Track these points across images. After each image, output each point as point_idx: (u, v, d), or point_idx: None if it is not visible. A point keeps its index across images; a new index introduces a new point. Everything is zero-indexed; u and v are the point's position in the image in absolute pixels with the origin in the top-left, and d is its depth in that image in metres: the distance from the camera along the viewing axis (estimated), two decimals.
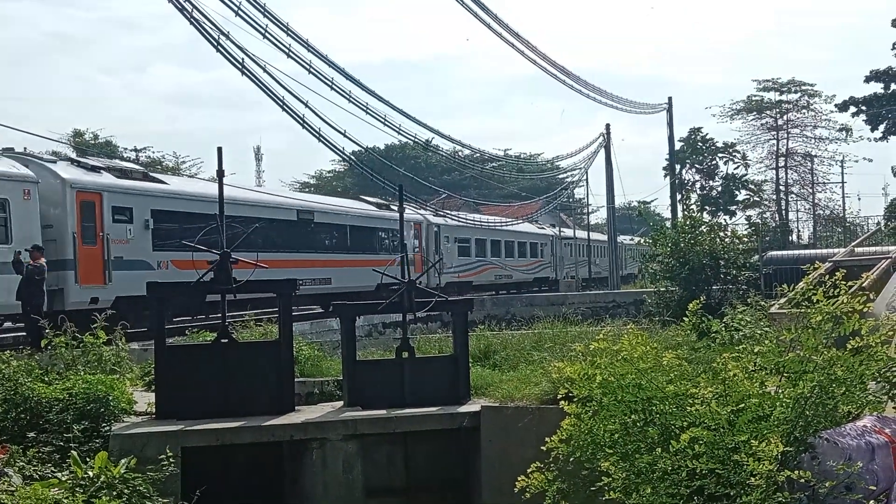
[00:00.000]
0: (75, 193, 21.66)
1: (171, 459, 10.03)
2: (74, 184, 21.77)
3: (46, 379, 12.31)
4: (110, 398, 11.65)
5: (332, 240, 33.69)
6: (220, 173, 13.50)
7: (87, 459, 9.68)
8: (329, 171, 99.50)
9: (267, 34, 23.23)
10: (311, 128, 26.54)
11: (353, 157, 40.37)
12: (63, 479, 9.30)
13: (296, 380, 13.25)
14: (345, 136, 29.25)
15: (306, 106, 26.04)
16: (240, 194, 27.70)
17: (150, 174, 26.96)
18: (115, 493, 9.13)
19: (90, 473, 9.28)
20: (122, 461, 9.64)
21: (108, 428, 11.19)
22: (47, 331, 13.93)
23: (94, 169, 23.36)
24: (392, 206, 35.89)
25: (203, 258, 13.52)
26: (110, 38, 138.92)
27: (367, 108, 29.27)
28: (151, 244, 23.69)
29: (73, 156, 31.48)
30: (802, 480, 6.58)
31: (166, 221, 24.33)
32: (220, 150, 13.56)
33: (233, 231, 18.00)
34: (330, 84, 26.74)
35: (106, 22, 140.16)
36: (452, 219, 45.22)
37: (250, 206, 27.74)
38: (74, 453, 9.82)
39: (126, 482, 9.36)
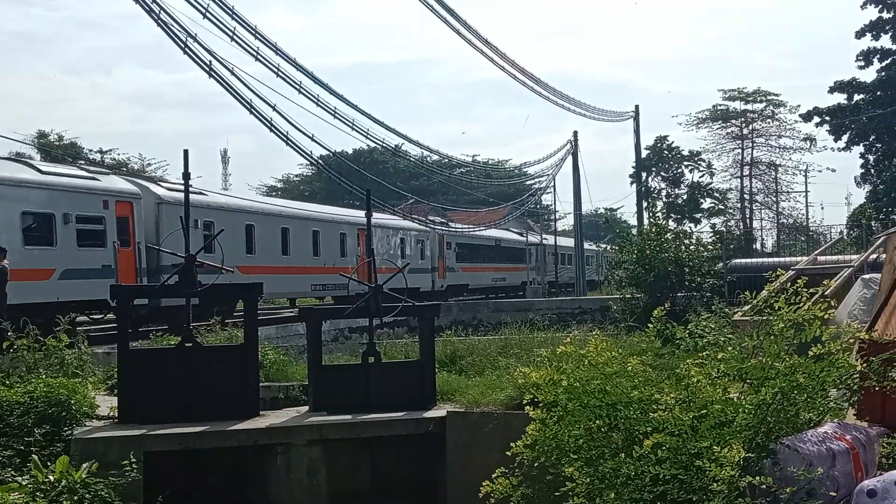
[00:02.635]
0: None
1: (133, 464, 9.94)
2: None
3: (7, 382, 12.19)
4: (72, 402, 11.55)
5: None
6: (186, 176, 13.45)
7: (49, 464, 9.58)
8: (297, 175, 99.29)
9: (235, 37, 23.18)
10: (279, 131, 26.48)
11: (321, 161, 40.27)
12: (24, 483, 9.19)
13: (261, 384, 13.18)
14: (313, 139, 29.24)
15: (274, 109, 26.01)
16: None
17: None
18: (76, 497, 9.04)
19: (51, 478, 9.18)
20: (84, 465, 9.54)
21: (69, 432, 11.08)
22: (10, 333, 13.78)
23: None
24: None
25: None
26: (74, 38, 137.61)
27: (336, 112, 29.26)
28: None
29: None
30: (764, 486, 6.63)
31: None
32: (186, 152, 13.51)
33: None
34: (298, 88, 26.72)
35: (70, 21, 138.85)
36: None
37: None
38: (35, 457, 9.71)
39: (88, 487, 9.27)
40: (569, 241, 64.97)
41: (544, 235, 67.04)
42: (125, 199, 25.13)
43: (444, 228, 49.41)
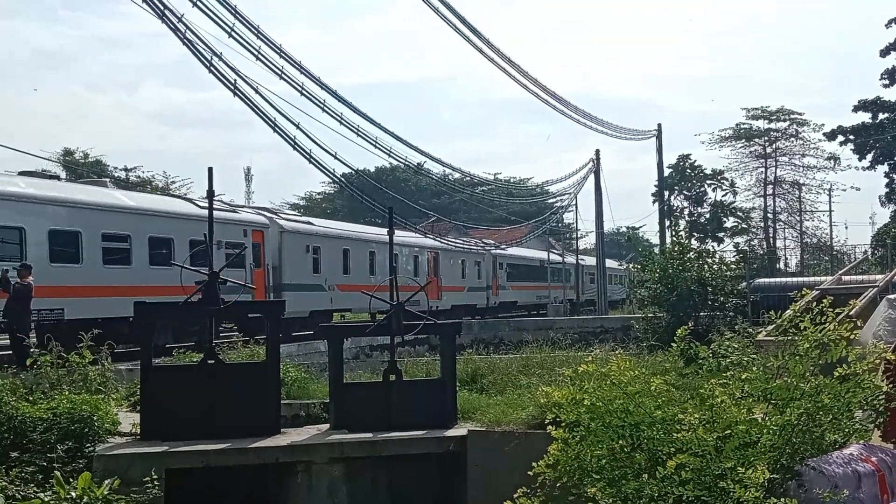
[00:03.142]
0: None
1: (155, 481, 9.95)
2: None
3: (31, 398, 12.22)
4: (95, 418, 11.57)
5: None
6: (210, 193, 13.52)
7: (71, 480, 9.58)
8: (319, 193, 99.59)
9: (260, 56, 23.27)
10: (302, 149, 26.51)
11: (343, 179, 40.40)
12: (46, 499, 9.20)
13: (282, 402, 13.19)
14: (335, 157, 29.27)
15: (297, 127, 26.04)
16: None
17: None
18: None
19: (73, 494, 9.18)
20: (106, 482, 9.54)
21: (91, 448, 11.11)
22: (33, 349, 13.84)
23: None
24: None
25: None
26: (99, 56, 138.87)
27: (359, 130, 29.30)
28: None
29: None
30: None
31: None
32: (210, 170, 13.59)
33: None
34: (322, 106, 26.77)
35: (95, 39, 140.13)
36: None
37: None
38: (58, 473, 9.72)
39: (109, 503, 9.28)
40: (611, 263, 65.20)
41: (567, 254, 67.06)
42: (258, 228, 29.92)
43: (497, 251, 53.58)
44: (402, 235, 39.59)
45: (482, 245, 52.37)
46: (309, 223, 34.61)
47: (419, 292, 15.11)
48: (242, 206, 34.86)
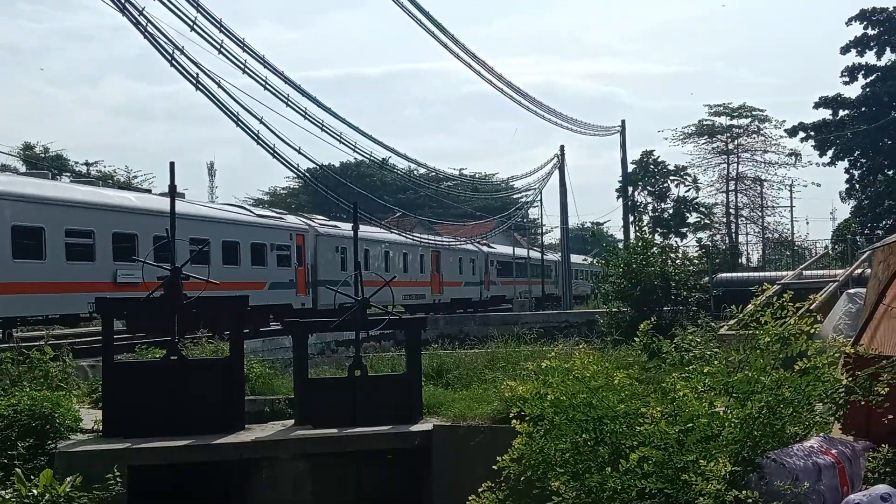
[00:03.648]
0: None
1: (118, 478, 9.85)
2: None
3: None
4: (56, 415, 11.45)
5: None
6: (172, 188, 13.38)
7: (32, 477, 9.48)
8: (283, 188, 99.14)
9: (222, 50, 23.14)
10: (266, 144, 26.42)
11: (308, 174, 40.31)
12: (7, 497, 9.10)
13: (246, 398, 13.12)
14: (300, 152, 29.26)
15: (261, 122, 25.96)
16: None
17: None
18: None
19: (34, 492, 9.09)
20: (68, 479, 9.45)
21: (53, 445, 11.00)
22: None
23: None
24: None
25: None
26: (60, 51, 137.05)
27: (323, 125, 29.26)
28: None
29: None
30: (750, 500, 6.63)
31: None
32: (172, 165, 13.44)
33: None
34: (286, 101, 26.69)
35: (56, 34, 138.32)
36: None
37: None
38: (19, 471, 9.62)
39: (71, 501, 9.17)
40: (576, 258, 65.93)
41: (531, 249, 67.36)
42: (300, 232, 35.39)
43: (489, 249, 59.51)
44: (408, 236, 45.53)
45: (478, 244, 56.87)
46: (336, 227, 39.41)
47: (383, 286, 15.07)
48: (286, 213, 39.38)
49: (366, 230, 42.83)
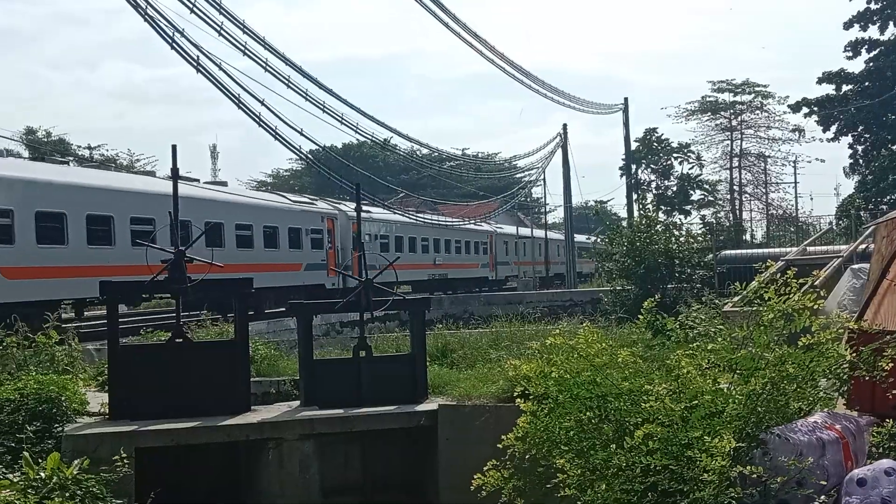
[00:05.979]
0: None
1: (124, 460, 9.91)
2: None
3: None
4: (63, 398, 11.50)
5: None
6: (175, 171, 13.36)
7: (40, 460, 9.54)
8: (286, 170, 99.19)
9: (223, 31, 23.09)
10: (268, 126, 26.40)
11: (310, 155, 40.29)
12: (14, 480, 9.16)
13: (252, 379, 13.16)
14: (301, 134, 29.32)
15: (262, 104, 25.94)
16: None
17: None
18: (67, 494, 9.00)
19: (42, 475, 9.14)
20: (75, 462, 9.51)
21: (60, 429, 11.04)
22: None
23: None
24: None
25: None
26: (58, 34, 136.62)
27: (324, 106, 29.23)
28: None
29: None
30: (754, 476, 6.66)
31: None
32: (174, 147, 13.43)
33: None
34: (286, 82, 26.65)
35: (53, 17, 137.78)
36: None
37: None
38: (26, 454, 9.67)
39: (79, 483, 9.23)
40: (580, 237, 66.10)
41: (535, 228, 67.37)
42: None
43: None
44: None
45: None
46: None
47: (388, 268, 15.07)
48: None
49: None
